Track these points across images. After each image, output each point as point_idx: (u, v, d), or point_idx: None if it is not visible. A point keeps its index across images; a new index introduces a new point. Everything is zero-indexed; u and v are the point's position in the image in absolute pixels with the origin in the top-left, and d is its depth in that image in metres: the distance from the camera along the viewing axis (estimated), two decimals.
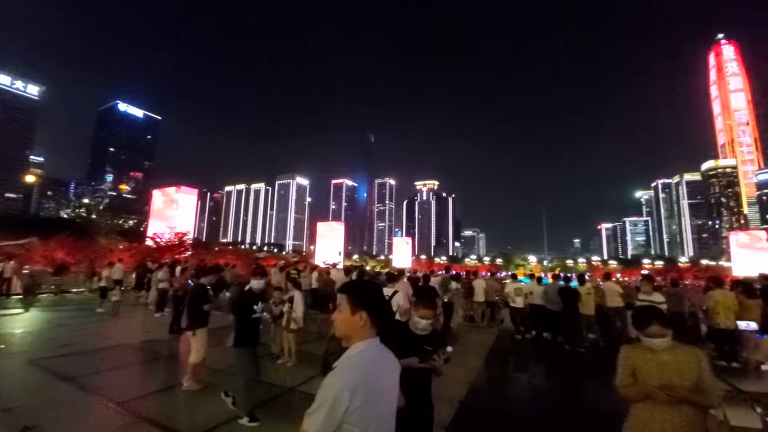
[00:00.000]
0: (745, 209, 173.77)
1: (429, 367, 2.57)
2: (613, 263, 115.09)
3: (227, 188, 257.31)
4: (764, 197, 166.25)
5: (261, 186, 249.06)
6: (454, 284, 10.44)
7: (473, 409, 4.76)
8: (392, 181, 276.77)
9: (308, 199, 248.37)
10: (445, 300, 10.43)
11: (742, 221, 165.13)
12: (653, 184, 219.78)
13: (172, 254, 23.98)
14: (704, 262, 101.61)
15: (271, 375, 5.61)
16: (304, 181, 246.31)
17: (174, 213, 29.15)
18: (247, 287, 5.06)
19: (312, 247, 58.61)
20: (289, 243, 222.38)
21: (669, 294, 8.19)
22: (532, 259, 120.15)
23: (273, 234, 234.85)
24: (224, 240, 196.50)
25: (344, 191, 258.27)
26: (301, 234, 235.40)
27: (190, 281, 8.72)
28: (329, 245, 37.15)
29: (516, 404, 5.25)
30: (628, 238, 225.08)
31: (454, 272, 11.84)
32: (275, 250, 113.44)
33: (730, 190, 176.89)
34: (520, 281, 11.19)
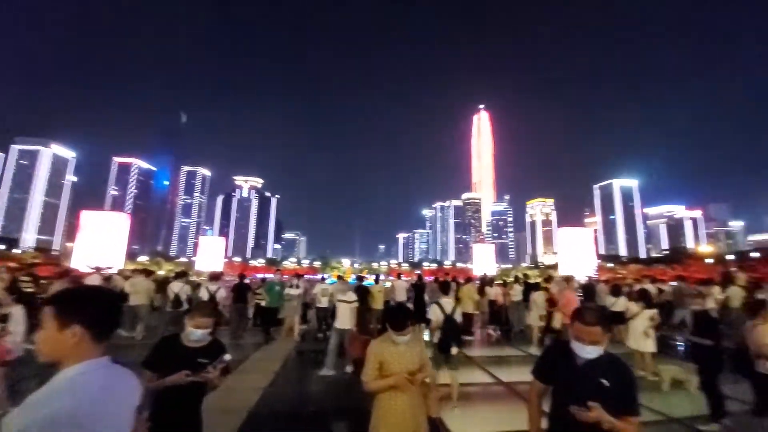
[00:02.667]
0: (484, 229, 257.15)
1: (201, 381, 2.35)
2: (405, 265, 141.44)
3: None
4: (494, 221, 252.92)
5: None
6: (289, 290, 10.14)
7: (261, 417, 4.64)
8: (206, 172, 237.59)
9: (71, 179, 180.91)
10: (263, 304, 10.01)
11: (482, 237, 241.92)
12: (434, 206, 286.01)
13: None
14: (459, 264, 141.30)
15: None
16: (65, 153, 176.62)
17: None
18: None
19: (70, 245, 42.87)
20: (31, 237, 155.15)
21: (432, 289, 10.94)
22: (346, 262, 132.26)
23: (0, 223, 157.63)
24: None
25: (134, 174, 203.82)
26: (54, 225, 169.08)
27: None
28: (101, 243, 28.17)
29: (305, 402, 5.44)
30: (416, 245, 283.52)
31: (284, 276, 11.42)
32: (2, 247, 77.04)
33: (476, 214, 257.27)
34: (329, 283, 11.99)
